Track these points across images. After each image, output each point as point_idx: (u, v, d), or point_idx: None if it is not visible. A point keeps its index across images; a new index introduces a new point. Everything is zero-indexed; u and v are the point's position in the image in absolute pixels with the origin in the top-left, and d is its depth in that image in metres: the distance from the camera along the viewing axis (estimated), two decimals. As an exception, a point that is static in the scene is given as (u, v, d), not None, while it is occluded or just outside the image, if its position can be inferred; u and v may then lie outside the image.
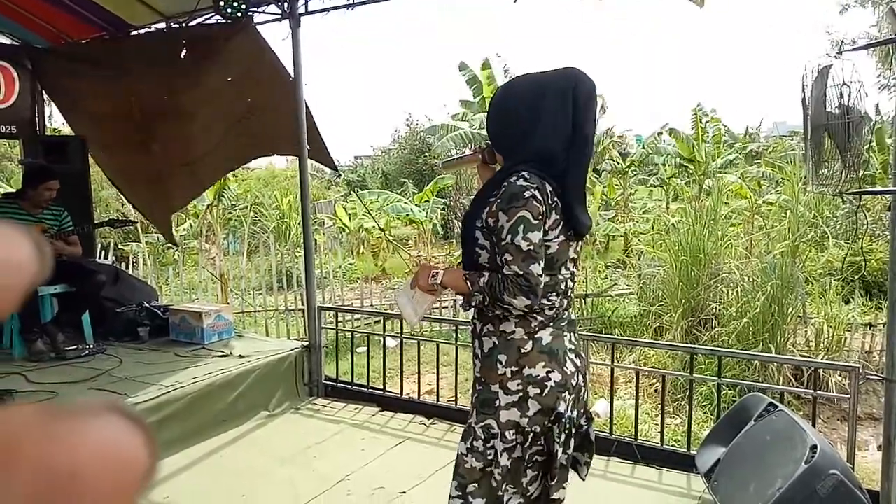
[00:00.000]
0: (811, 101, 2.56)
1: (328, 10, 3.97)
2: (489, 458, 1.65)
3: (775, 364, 5.92)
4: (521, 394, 1.61)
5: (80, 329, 4.31)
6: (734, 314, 6.87)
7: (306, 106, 4.18)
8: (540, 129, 1.63)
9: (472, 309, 1.74)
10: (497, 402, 1.63)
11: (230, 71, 4.32)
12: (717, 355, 3.61)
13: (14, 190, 4.44)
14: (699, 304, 7.36)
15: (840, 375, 5.82)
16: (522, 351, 1.63)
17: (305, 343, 4.38)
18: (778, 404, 2.69)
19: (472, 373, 1.82)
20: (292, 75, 4.10)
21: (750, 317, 6.55)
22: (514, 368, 1.62)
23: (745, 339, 6.51)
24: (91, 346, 4.14)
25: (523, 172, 1.59)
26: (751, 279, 7.20)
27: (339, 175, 10.90)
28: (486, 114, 1.85)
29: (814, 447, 2.25)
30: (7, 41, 5.16)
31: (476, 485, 1.67)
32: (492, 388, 1.64)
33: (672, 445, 3.73)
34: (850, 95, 2.64)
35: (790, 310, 6.74)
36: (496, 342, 1.65)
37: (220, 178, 5.47)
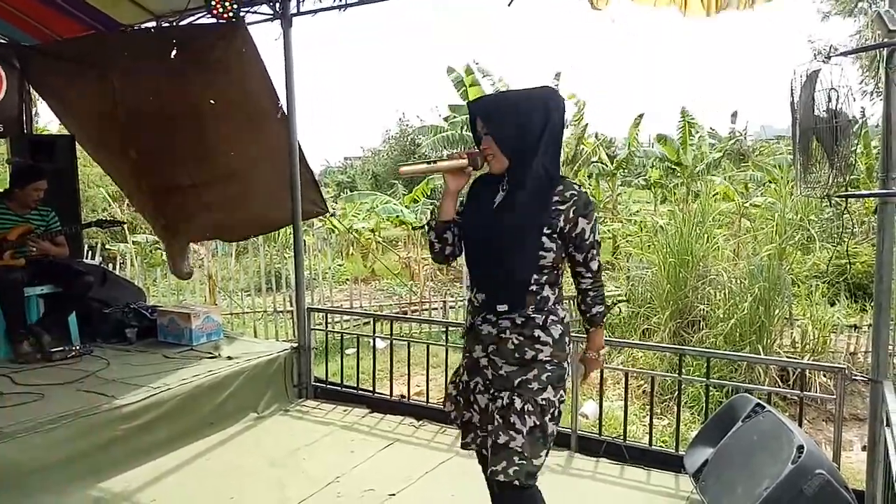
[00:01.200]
0: (800, 105, 2.60)
1: (320, 10, 3.96)
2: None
3: (762, 365, 5.97)
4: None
5: (67, 330, 4.28)
6: (722, 316, 6.93)
7: (300, 148, 4.21)
8: (554, 137, 1.89)
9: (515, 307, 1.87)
10: (566, 375, 1.90)
11: (218, 87, 4.27)
12: (705, 356, 3.64)
13: (0, 190, 4.38)
14: (687, 306, 7.41)
15: (825, 377, 5.88)
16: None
17: (295, 344, 4.37)
18: (765, 405, 2.71)
19: None
20: (284, 80, 4.08)
21: (737, 318, 6.61)
22: (570, 346, 1.96)
23: (733, 340, 6.57)
24: (78, 348, 4.10)
25: (572, 181, 1.90)
26: (738, 281, 7.26)
27: (333, 214, 10.96)
28: (484, 117, 1.91)
29: (800, 447, 2.27)
30: (-6, 39, 5.11)
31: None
32: (563, 366, 1.89)
33: (660, 446, 3.75)
34: (837, 99, 2.68)
35: (777, 312, 6.81)
36: (562, 328, 1.89)
37: (190, 240, 5.06)
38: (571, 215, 1.83)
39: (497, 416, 1.83)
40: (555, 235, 1.83)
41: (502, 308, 1.86)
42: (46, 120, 11.27)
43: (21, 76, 5.12)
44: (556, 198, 1.83)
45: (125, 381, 3.54)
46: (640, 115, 15.05)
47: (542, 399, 1.83)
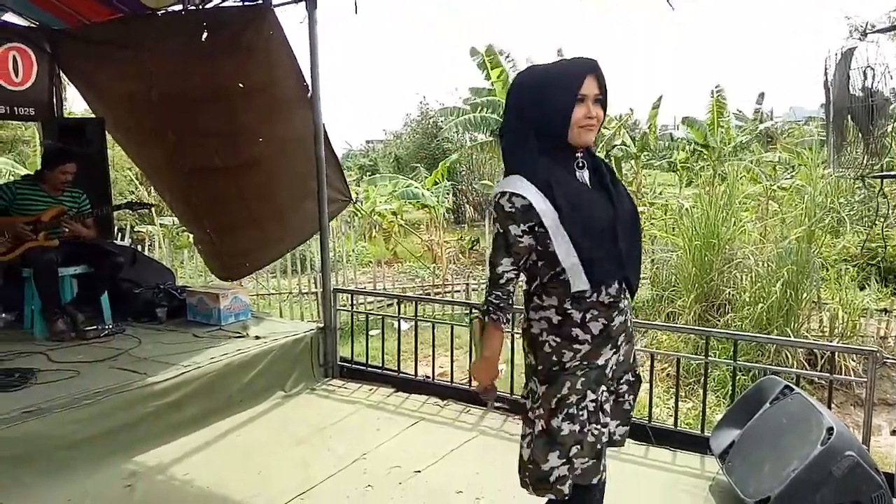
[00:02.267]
0: (834, 84, 2.54)
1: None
2: None
3: (790, 349, 5.90)
4: None
5: (100, 309, 4.37)
6: (748, 300, 6.84)
7: (325, 133, 4.19)
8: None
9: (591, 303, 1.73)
10: None
11: (247, 70, 4.27)
12: (732, 339, 3.60)
13: (32, 172, 4.48)
14: (713, 289, 7.33)
15: (854, 360, 5.80)
16: None
17: (321, 325, 4.42)
18: (794, 387, 2.69)
19: None
20: (309, 63, 4.07)
21: (765, 302, 6.52)
22: None
23: (760, 324, 6.49)
24: (110, 326, 4.20)
25: None
26: (765, 265, 7.15)
27: (356, 201, 10.93)
28: (601, 79, 1.70)
29: (830, 429, 2.26)
30: (24, 23, 5.18)
31: None
32: None
33: (685, 428, 3.74)
34: (873, 78, 2.62)
35: (805, 295, 6.71)
36: None
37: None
38: None
39: (629, 396, 1.88)
40: None
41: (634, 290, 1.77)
42: (81, 106, 11.46)
43: (51, 60, 5.19)
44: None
45: (157, 360, 3.62)
46: (660, 97, 14.85)
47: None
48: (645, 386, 4.58)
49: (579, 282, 1.63)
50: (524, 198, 1.61)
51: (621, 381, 1.85)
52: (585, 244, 1.62)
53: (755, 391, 2.87)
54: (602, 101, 1.70)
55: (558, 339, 1.70)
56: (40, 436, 2.84)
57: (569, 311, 1.68)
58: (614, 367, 1.79)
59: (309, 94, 4.14)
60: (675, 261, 8.20)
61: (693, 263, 7.51)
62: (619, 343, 1.78)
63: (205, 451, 3.24)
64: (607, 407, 1.79)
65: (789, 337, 6.16)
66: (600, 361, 1.73)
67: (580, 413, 1.71)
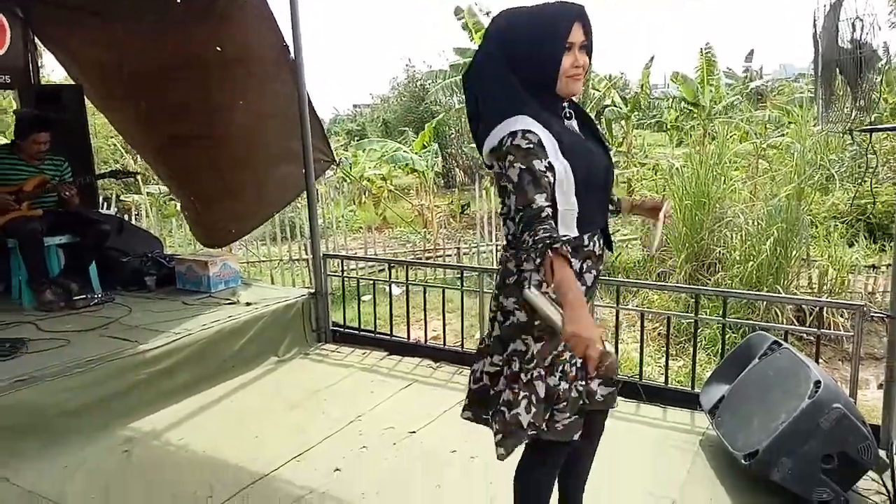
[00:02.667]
0: (822, 36, 2.50)
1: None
2: None
3: (779, 306, 5.96)
4: None
5: (88, 278, 4.34)
6: (738, 258, 6.88)
7: (308, 98, 4.09)
8: None
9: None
10: None
11: (225, 37, 4.15)
12: (721, 296, 3.63)
13: (8, 142, 4.39)
14: (703, 248, 7.35)
15: (843, 316, 5.87)
16: None
17: (312, 290, 4.41)
18: (782, 342, 2.72)
19: (477, 318, 1.84)
20: (291, 27, 3.96)
21: (755, 260, 6.56)
22: None
23: (750, 282, 6.53)
24: (100, 295, 4.18)
25: None
26: (755, 223, 7.17)
27: (339, 163, 10.69)
28: (588, 25, 1.61)
29: (817, 382, 2.28)
30: (-5, -13, 5.02)
31: None
32: None
33: (676, 385, 3.79)
34: (862, 29, 2.57)
35: (794, 253, 6.74)
36: None
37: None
38: None
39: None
40: None
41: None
42: (55, 71, 11.19)
43: (24, 25, 5.05)
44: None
45: (147, 327, 3.60)
46: (652, 57, 14.69)
47: None
48: (636, 345, 4.62)
49: (568, 229, 1.60)
50: (536, 134, 1.53)
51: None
52: (585, 193, 1.59)
53: (744, 347, 2.90)
54: (588, 48, 1.63)
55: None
56: (34, 404, 2.84)
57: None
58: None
59: (288, 58, 4.04)
60: (666, 220, 8.20)
61: (684, 223, 7.52)
62: (593, 299, 1.80)
63: (199, 416, 3.26)
64: None
65: (779, 293, 6.22)
66: None
67: (570, 370, 1.68)
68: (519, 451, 1.76)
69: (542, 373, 1.65)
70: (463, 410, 1.86)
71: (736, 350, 2.97)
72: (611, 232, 1.81)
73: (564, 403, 1.69)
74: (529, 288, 1.52)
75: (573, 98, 1.69)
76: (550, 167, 1.54)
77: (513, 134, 1.53)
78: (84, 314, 3.91)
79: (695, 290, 3.67)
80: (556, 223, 1.54)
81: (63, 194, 4.18)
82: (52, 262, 4.27)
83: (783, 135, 12.08)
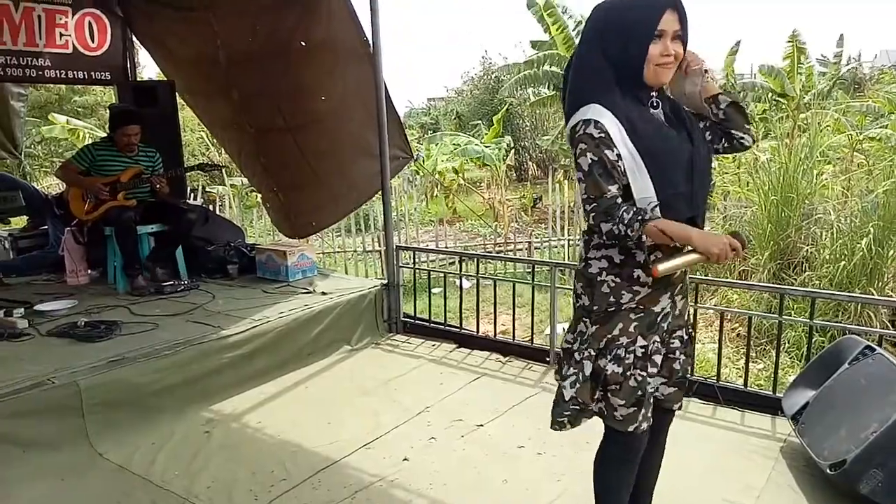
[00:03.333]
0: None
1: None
2: None
3: (872, 309, 5.59)
4: None
5: (176, 266, 4.59)
6: (828, 257, 6.49)
7: (386, 90, 4.17)
8: None
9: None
10: None
11: (309, 26, 4.25)
12: (809, 297, 3.44)
13: (107, 135, 4.70)
14: (789, 246, 6.98)
15: (946, 322, 5.45)
16: None
17: (384, 281, 4.49)
18: (876, 347, 2.55)
19: (548, 313, 1.85)
20: (370, 18, 4.03)
21: (847, 260, 6.18)
22: None
23: (841, 283, 6.15)
24: (186, 282, 4.40)
25: None
26: (848, 220, 6.75)
27: (417, 158, 10.75)
28: (683, 13, 1.61)
29: (915, 392, 2.13)
30: (97, -12, 5.35)
31: None
32: None
33: (755, 388, 3.63)
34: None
35: (892, 252, 6.30)
36: None
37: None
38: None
39: (681, 354, 1.82)
40: None
41: None
42: (147, 67, 11.85)
43: (123, 24, 5.36)
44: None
45: (229, 314, 3.77)
46: (738, 42, 14.00)
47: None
48: (713, 346, 4.45)
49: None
50: (603, 124, 1.56)
51: (673, 336, 1.79)
52: (662, 181, 1.58)
53: (833, 351, 2.74)
54: (682, 37, 1.62)
55: (618, 280, 1.67)
56: (125, 383, 3.03)
57: (633, 251, 1.64)
58: (669, 319, 1.75)
59: (370, 50, 4.11)
60: (749, 217, 7.84)
61: (769, 219, 7.16)
62: (675, 293, 1.75)
63: (276, 400, 3.39)
64: (657, 358, 1.74)
65: (873, 295, 5.83)
66: (656, 308, 1.70)
67: (626, 356, 1.69)
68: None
69: (592, 353, 1.71)
70: (555, 373, 1.95)
71: (823, 354, 2.81)
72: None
73: (616, 387, 1.69)
74: (654, 265, 1.55)
75: (664, 88, 1.69)
76: (620, 157, 1.56)
77: (586, 122, 1.58)
78: (172, 299, 4.13)
79: (779, 289, 3.49)
80: None
81: (155, 185, 4.42)
82: (143, 249, 4.53)
83: (883, 126, 11.29)
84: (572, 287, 1.82)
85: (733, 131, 1.76)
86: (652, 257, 1.62)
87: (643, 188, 1.57)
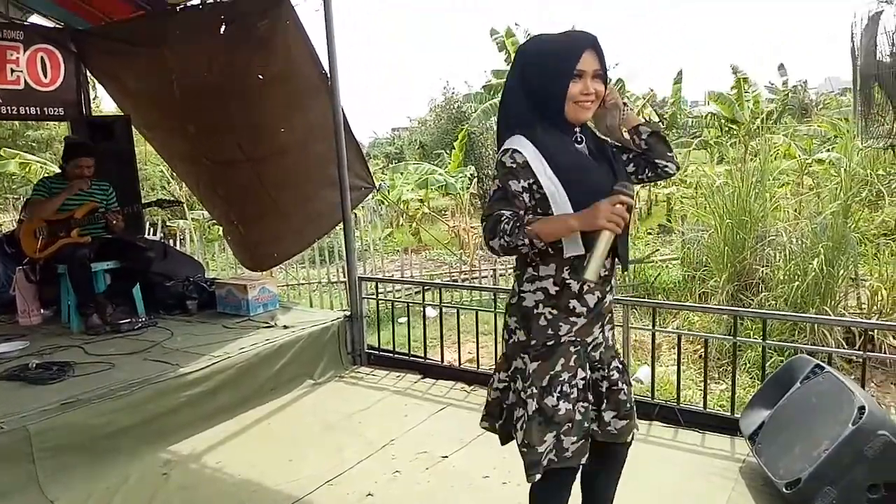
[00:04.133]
0: (860, 51, 2.45)
1: (359, -22, 3.93)
2: None
3: (825, 328, 5.76)
4: None
5: (133, 303, 4.48)
6: (783, 278, 6.70)
7: (345, 121, 4.21)
8: None
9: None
10: None
11: (266, 61, 4.27)
12: (762, 318, 3.54)
13: (59, 170, 4.61)
14: (745, 268, 7.18)
15: (895, 338, 5.64)
16: None
17: (348, 313, 4.46)
18: (825, 366, 2.63)
19: None
20: (327, 52, 4.07)
21: (800, 280, 6.37)
22: None
23: (795, 303, 6.35)
24: (143, 319, 4.30)
25: None
26: (800, 241, 6.98)
27: (380, 189, 10.81)
28: (600, 52, 1.66)
29: (861, 408, 2.20)
30: (51, 24, 5.29)
31: None
32: None
33: (716, 410, 3.69)
34: (903, 43, 2.51)
35: (842, 272, 6.53)
36: None
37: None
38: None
39: (623, 384, 1.82)
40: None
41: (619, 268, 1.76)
42: (105, 101, 11.69)
43: (77, 60, 5.30)
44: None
45: (188, 351, 3.69)
46: (680, 72, 14.50)
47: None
48: (673, 369, 4.53)
49: (574, 246, 1.61)
50: (522, 155, 1.60)
51: (611, 367, 1.82)
52: (580, 209, 1.58)
53: (785, 371, 2.82)
54: (602, 76, 1.67)
55: (555, 311, 1.68)
56: (79, 426, 2.92)
57: (567, 281, 1.67)
58: (601, 349, 1.79)
59: (328, 83, 4.14)
60: (707, 240, 8.05)
61: (725, 242, 7.37)
62: (604, 323, 1.79)
63: (237, 439, 3.31)
64: (601, 388, 1.78)
65: (826, 315, 6.01)
66: (590, 339, 1.74)
67: (571, 391, 1.69)
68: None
69: (535, 391, 1.69)
70: (481, 420, 1.95)
71: (777, 373, 2.88)
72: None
73: (569, 425, 1.69)
74: (582, 276, 1.56)
75: (587, 124, 1.73)
76: (530, 188, 1.61)
77: (504, 151, 1.63)
78: (128, 337, 4.03)
79: (734, 311, 3.58)
80: (546, 248, 1.61)
81: (110, 222, 4.34)
82: (98, 286, 4.42)
83: (830, 150, 11.77)
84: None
85: (657, 160, 1.80)
86: (567, 274, 1.65)
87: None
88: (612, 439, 1.82)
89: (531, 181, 1.60)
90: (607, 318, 1.81)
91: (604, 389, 1.80)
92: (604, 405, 1.80)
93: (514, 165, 1.59)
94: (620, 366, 1.85)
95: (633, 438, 1.88)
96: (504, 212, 1.58)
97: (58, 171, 5.35)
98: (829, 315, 6.04)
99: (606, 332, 1.81)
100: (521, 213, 1.59)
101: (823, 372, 2.57)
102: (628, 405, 1.83)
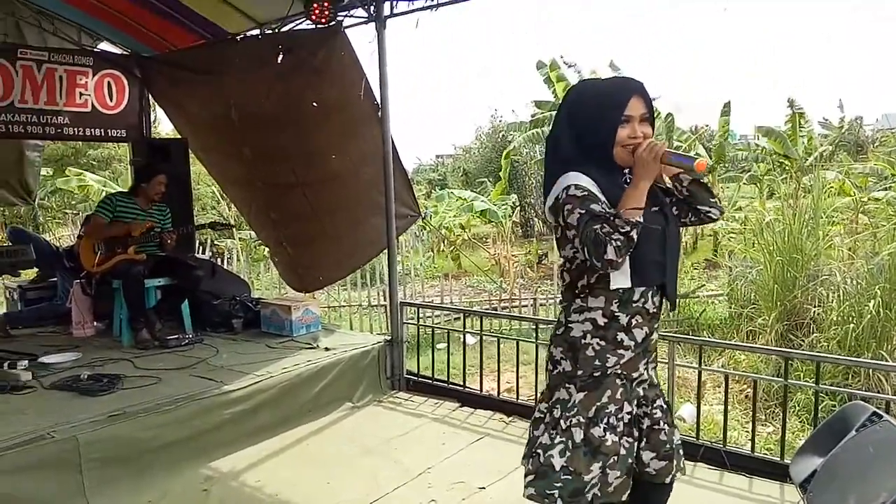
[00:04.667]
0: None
1: (413, 11, 4.04)
2: None
3: (882, 373, 5.51)
4: None
5: (181, 319, 4.60)
6: (836, 319, 6.45)
7: (394, 149, 4.29)
8: None
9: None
10: None
11: (321, 90, 4.40)
12: (815, 360, 3.41)
13: (126, 189, 4.80)
14: (795, 307, 6.95)
15: (956, 386, 5.36)
16: None
17: (388, 337, 4.48)
18: (883, 414, 2.51)
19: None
20: (379, 81, 4.17)
21: (855, 322, 6.13)
22: None
23: (848, 346, 6.10)
24: (190, 336, 4.42)
25: None
26: (854, 282, 6.73)
27: (425, 217, 10.95)
28: (648, 99, 1.72)
29: (923, 461, 2.09)
30: (118, 51, 5.57)
31: None
32: None
33: (764, 454, 3.56)
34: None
35: (900, 315, 6.25)
36: None
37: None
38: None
39: (664, 425, 1.80)
40: None
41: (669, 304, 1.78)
42: (168, 127, 12.17)
43: (141, 85, 5.55)
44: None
45: (232, 368, 3.77)
46: (728, 103, 14.23)
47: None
48: (719, 408, 4.39)
49: (621, 279, 1.65)
50: (584, 186, 1.66)
51: (654, 405, 1.80)
52: (637, 250, 1.61)
53: (839, 417, 2.70)
54: (650, 119, 1.72)
55: (603, 343, 1.70)
56: (125, 438, 3.00)
57: (616, 314, 1.69)
58: (647, 386, 1.78)
59: (378, 112, 4.23)
60: (755, 277, 7.83)
61: (774, 280, 7.16)
62: (650, 360, 1.78)
63: (276, 458, 3.34)
64: (643, 426, 1.76)
65: (882, 360, 5.76)
66: (635, 375, 1.74)
67: (617, 424, 1.70)
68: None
69: (582, 420, 1.69)
70: (524, 457, 1.91)
71: (830, 420, 2.76)
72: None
73: (615, 458, 1.69)
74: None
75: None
76: (604, 209, 1.65)
77: (566, 188, 1.65)
78: (176, 353, 4.14)
79: (784, 352, 3.47)
80: (597, 280, 1.67)
81: (164, 241, 4.50)
82: (149, 302, 4.56)
83: (887, 188, 11.39)
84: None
85: (699, 206, 1.82)
86: (616, 306, 1.69)
87: None
88: (650, 479, 1.79)
89: (602, 202, 1.65)
90: (652, 355, 1.80)
91: (644, 427, 1.78)
92: (643, 443, 1.78)
93: (586, 192, 1.65)
94: (665, 405, 1.83)
95: (673, 480, 1.84)
96: (594, 226, 1.59)
97: (118, 189, 5.57)
98: (887, 360, 5.78)
99: (651, 369, 1.80)
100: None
101: (881, 420, 2.45)
102: (668, 446, 1.80)
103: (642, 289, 1.69)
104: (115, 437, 2.97)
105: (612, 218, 1.59)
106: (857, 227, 10.17)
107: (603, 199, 1.66)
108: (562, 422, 1.72)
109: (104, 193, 10.88)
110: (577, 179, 1.66)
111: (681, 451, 1.86)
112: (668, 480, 1.83)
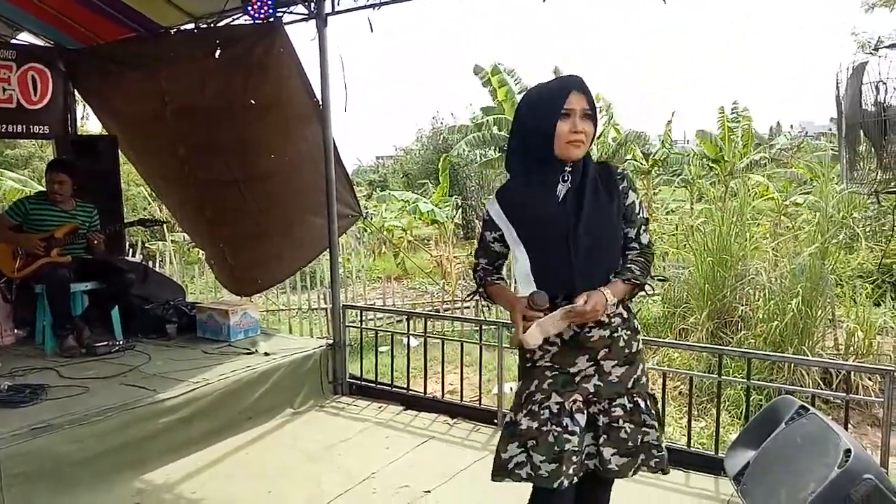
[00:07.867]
0: (846, 99, 2.52)
1: (355, 9, 3.99)
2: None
3: (805, 368, 5.81)
4: None
5: (111, 325, 4.39)
6: (762, 317, 6.76)
7: (335, 148, 4.23)
8: None
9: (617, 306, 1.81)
10: None
11: (259, 86, 4.29)
12: (746, 357, 3.56)
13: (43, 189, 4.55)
14: (725, 306, 7.25)
15: (871, 380, 5.71)
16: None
17: (330, 341, 4.41)
18: (809, 407, 2.64)
19: (495, 373, 1.94)
20: (320, 79, 4.10)
21: (779, 320, 6.44)
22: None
23: (774, 342, 6.40)
24: (120, 343, 4.21)
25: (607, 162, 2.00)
26: (779, 281, 7.08)
27: (366, 217, 10.80)
28: (589, 94, 1.76)
29: (847, 451, 2.20)
30: (41, 43, 5.27)
31: None
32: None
33: (699, 448, 3.69)
34: (886, 92, 2.59)
35: (820, 313, 6.61)
36: (637, 325, 1.92)
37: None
38: (628, 193, 1.85)
39: (625, 423, 1.81)
40: (625, 217, 1.85)
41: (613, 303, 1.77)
42: (90, 121, 11.61)
43: (66, 79, 5.27)
44: (612, 183, 1.82)
45: (166, 376, 3.62)
46: (672, 113, 14.86)
47: (650, 391, 1.92)
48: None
49: (524, 290, 1.76)
50: (489, 212, 1.88)
51: (614, 404, 1.82)
52: (538, 254, 1.78)
53: (770, 411, 2.82)
54: (591, 115, 1.77)
55: None
56: (49, 452, 2.84)
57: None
58: (596, 382, 1.80)
59: (320, 110, 4.16)
60: (687, 277, 8.13)
61: (705, 280, 7.44)
62: (598, 357, 1.80)
63: (214, 468, 3.22)
64: (579, 417, 1.78)
65: (805, 355, 6.07)
66: (573, 370, 1.81)
67: (541, 412, 1.79)
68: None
69: (514, 405, 1.87)
70: None
71: (761, 414, 2.88)
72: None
73: (533, 442, 1.77)
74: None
75: (581, 163, 1.80)
76: (501, 239, 1.88)
77: (489, 201, 1.91)
78: (104, 361, 3.94)
79: (717, 349, 3.60)
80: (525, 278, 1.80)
81: (92, 242, 4.28)
82: (76, 308, 4.33)
83: (806, 193, 12.04)
84: None
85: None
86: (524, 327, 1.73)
87: (521, 264, 1.80)
88: (614, 476, 1.86)
89: (500, 233, 1.86)
90: (600, 353, 1.81)
91: (601, 424, 1.81)
92: (601, 440, 1.81)
93: (488, 218, 1.89)
94: (629, 404, 1.83)
95: (625, 476, 1.88)
96: (480, 260, 1.96)
97: (39, 190, 5.28)
98: (808, 355, 6.10)
99: (608, 369, 1.81)
100: (494, 261, 1.95)
101: (808, 413, 2.58)
102: (630, 443, 1.83)
103: (565, 291, 1.74)
104: (39, 451, 2.80)
105: (486, 276, 1.95)
106: (780, 229, 10.70)
107: (508, 226, 1.82)
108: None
109: (24, 194, 10.30)
110: (490, 204, 1.87)
111: (657, 452, 1.87)
112: (630, 475, 1.87)
